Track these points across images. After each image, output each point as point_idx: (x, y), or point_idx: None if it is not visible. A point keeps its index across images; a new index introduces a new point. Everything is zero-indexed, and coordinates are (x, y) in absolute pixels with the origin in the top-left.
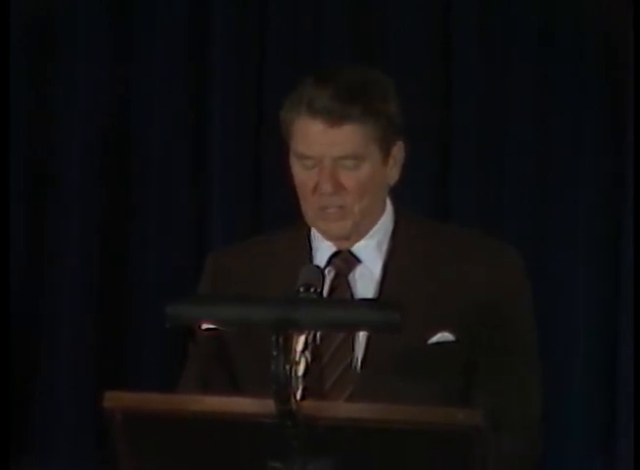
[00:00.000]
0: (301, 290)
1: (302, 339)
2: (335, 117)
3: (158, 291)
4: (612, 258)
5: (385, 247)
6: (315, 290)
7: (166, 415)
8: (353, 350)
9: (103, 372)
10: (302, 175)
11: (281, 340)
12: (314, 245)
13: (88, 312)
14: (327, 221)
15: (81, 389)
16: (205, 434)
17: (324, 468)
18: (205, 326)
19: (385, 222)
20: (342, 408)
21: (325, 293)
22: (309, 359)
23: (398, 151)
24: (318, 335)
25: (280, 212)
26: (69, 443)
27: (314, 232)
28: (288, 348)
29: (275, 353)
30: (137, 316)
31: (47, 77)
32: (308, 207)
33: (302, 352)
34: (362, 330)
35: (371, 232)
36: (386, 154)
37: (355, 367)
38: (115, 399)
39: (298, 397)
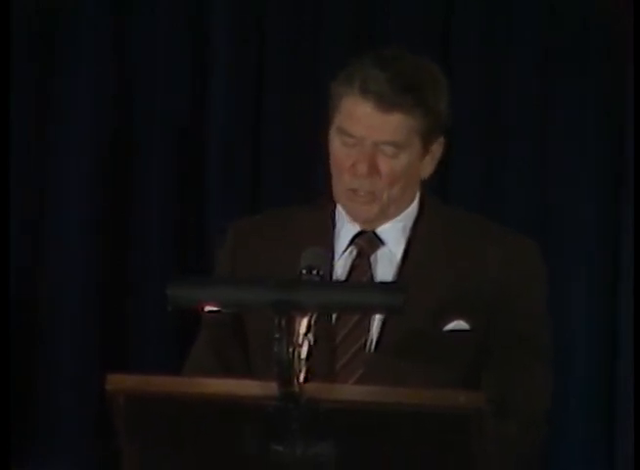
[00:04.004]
0: (304, 272)
1: (305, 321)
2: (386, 103)
3: (159, 277)
4: (612, 252)
5: (408, 232)
6: (318, 272)
7: (168, 398)
8: (368, 332)
9: (105, 367)
10: (341, 152)
11: (283, 322)
12: (338, 223)
13: (89, 301)
14: (354, 203)
15: (83, 379)
16: (207, 416)
17: (326, 451)
18: (207, 308)
19: (412, 210)
20: (345, 391)
21: (345, 272)
22: (312, 342)
23: (438, 147)
24: (334, 316)
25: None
26: (71, 440)
27: (339, 211)
28: (290, 330)
29: (277, 336)
30: (139, 302)
31: (48, 79)
32: (339, 184)
33: (305, 334)
34: (365, 312)
35: (397, 218)
36: (426, 148)
37: (369, 350)
38: (117, 382)
39: (301, 379)
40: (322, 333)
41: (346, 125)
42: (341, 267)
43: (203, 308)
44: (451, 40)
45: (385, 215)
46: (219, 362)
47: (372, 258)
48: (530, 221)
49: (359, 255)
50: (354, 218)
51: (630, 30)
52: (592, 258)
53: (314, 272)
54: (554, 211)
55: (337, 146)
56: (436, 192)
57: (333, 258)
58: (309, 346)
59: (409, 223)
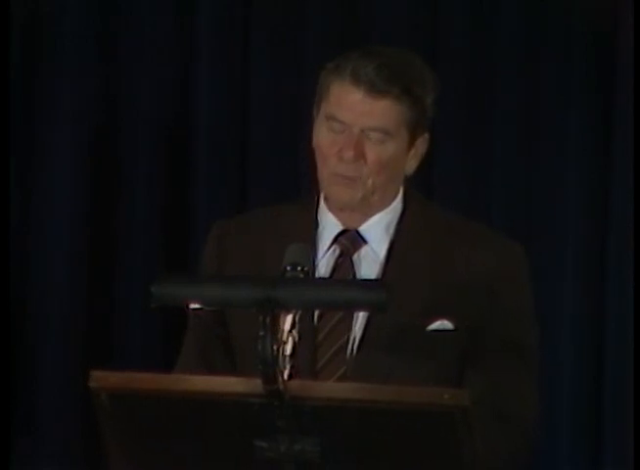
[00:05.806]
0: (288, 269)
1: (290, 318)
2: (376, 90)
3: (144, 272)
4: (599, 252)
5: (392, 231)
6: (302, 269)
7: (152, 395)
8: (350, 330)
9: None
10: (327, 138)
11: (267, 319)
12: (321, 222)
13: (74, 297)
14: (338, 186)
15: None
16: (191, 413)
17: (311, 448)
18: (192, 306)
19: (395, 207)
20: (330, 388)
21: (328, 271)
22: (297, 339)
23: (422, 143)
24: (316, 314)
25: None
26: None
27: (322, 209)
28: (275, 327)
29: (262, 333)
30: (123, 300)
31: (32, 85)
32: (324, 169)
33: (290, 331)
34: (349, 309)
35: (380, 214)
36: (411, 141)
37: (351, 348)
38: (101, 379)
39: (286, 376)
40: (304, 331)
41: (335, 111)
42: (323, 267)
43: (187, 306)
44: (437, 38)
45: (367, 204)
46: (204, 365)
47: (355, 258)
48: (516, 221)
49: (342, 254)
50: (337, 204)
51: (630, 31)
52: (579, 258)
53: (299, 269)
54: (540, 211)
55: (324, 133)
56: (420, 190)
57: (316, 257)
58: (294, 343)
59: (393, 221)
